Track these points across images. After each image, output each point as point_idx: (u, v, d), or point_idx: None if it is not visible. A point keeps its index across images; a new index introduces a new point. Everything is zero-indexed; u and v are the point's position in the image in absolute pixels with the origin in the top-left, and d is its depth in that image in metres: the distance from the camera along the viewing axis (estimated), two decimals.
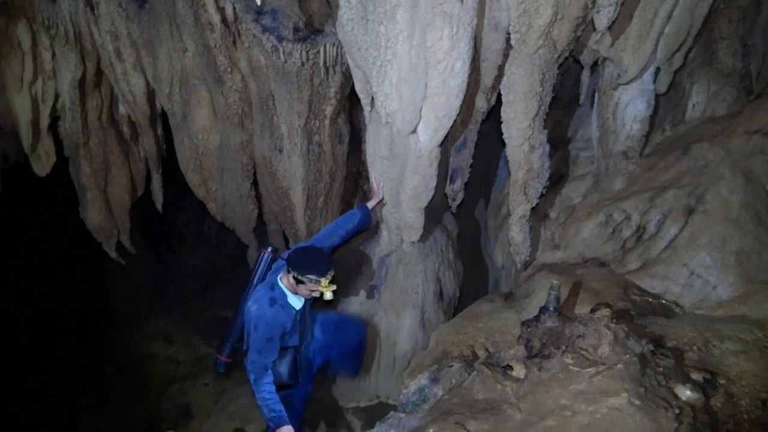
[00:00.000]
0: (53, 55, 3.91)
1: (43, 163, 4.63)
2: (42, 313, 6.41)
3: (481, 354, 3.12)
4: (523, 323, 2.76)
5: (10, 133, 4.42)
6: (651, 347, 2.27)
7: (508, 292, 3.74)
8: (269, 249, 3.21)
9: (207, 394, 5.29)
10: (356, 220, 3.32)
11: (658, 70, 3.13)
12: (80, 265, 6.57)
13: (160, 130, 4.56)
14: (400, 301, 3.85)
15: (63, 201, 5.30)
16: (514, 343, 2.76)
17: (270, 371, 2.85)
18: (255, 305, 2.85)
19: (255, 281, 3.18)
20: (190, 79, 3.82)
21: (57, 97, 4.21)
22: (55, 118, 4.45)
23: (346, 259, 4.00)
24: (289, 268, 2.79)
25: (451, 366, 3.04)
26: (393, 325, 3.90)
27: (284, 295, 2.91)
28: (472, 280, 4.71)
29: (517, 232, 3.34)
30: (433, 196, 3.36)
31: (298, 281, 2.77)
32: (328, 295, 2.81)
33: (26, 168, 4.78)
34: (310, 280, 2.74)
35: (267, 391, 2.81)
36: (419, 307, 3.87)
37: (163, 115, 4.36)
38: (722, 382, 2.22)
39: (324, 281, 2.74)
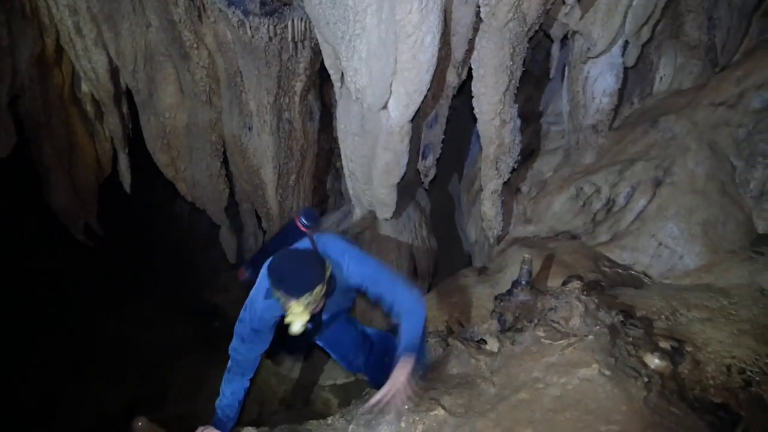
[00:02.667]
0: (9, 30, 3.75)
1: (2, 144, 4.47)
2: (13, 299, 6.28)
3: (456, 329, 3.15)
4: (496, 297, 2.79)
5: None
6: (621, 318, 2.31)
7: (481, 267, 3.77)
8: (301, 218, 2.26)
9: (186, 377, 5.25)
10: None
11: (626, 43, 3.15)
12: (51, 249, 6.43)
13: (125, 109, 4.42)
14: None
15: (26, 183, 5.14)
16: (488, 318, 2.79)
17: (248, 375, 2.32)
18: (255, 286, 2.23)
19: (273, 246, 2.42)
20: (154, 56, 3.71)
21: (15, 74, 4.05)
22: (14, 97, 4.29)
23: None
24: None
25: (427, 341, 3.07)
26: (367, 301, 3.90)
27: None
28: (446, 256, 4.73)
29: (489, 206, 3.35)
30: (405, 173, 3.34)
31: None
32: (295, 327, 1.98)
33: None
34: (278, 298, 1.98)
35: (229, 393, 2.30)
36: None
37: (128, 93, 4.23)
38: (689, 349, 2.27)
39: (295, 306, 1.95)
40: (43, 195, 4.87)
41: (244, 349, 2.26)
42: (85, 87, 4.31)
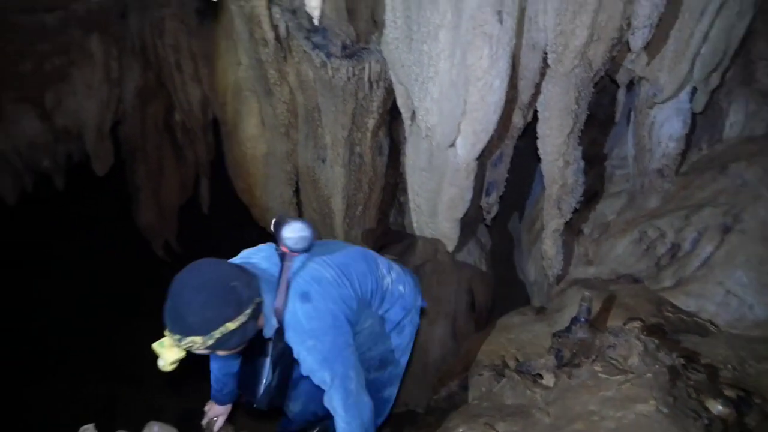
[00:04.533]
0: (120, 65, 4.21)
1: (102, 164, 4.94)
2: (86, 303, 6.72)
3: (512, 364, 3.20)
4: (554, 334, 2.83)
5: (76, 134, 4.75)
6: (682, 361, 2.31)
7: (539, 306, 3.81)
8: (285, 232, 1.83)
9: None
10: None
11: (694, 89, 3.19)
12: (126, 261, 6.89)
13: (210, 138, 4.81)
14: (433, 310, 3.95)
15: (117, 200, 5.61)
16: (544, 354, 2.84)
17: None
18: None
19: None
20: (242, 91, 4.05)
21: (120, 103, 4.51)
22: (116, 122, 4.77)
23: None
24: None
25: (482, 374, 3.13)
26: (425, 333, 3.99)
27: None
28: (504, 294, 4.76)
29: (550, 245, 3.42)
30: (469, 208, 3.46)
31: None
32: (159, 362, 1.57)
33: (87, 167, 5.11)
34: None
35: (216, 368, 2.15)
36: (451, 316, 3.96)
37: (214, 123, 4.61)
38: (758, 401, 2.23)
39: (163, 340, 1.56)
40: (131, 212, 5.31)
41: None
42: (178, 116, 4.74)
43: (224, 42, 3.84)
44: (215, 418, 2.33)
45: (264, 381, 1.92)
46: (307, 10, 2.15)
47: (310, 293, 1.71)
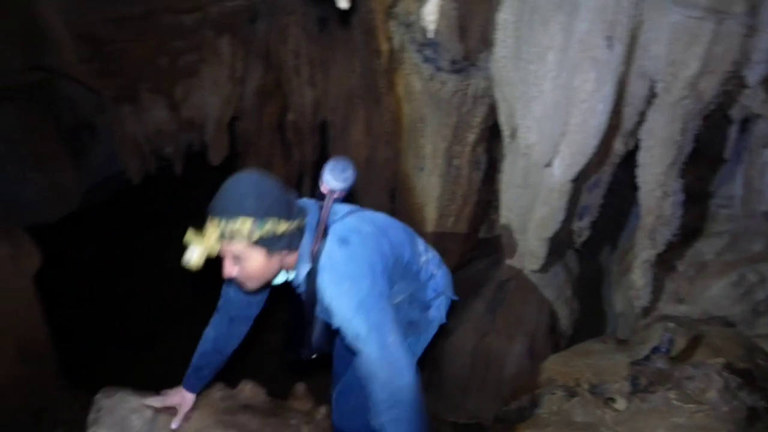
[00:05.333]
0: (244, 65, 4.62)
1: (218, 155, 5.40)
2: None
3: (585, 387, 3.19)
4: (632, 362, 2.82)
5: (198, 125, 5.24)
6: (765, 405, 2.25)
7: (622, 339, 3.74)
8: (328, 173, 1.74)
9: None
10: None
11: None
12: None
13: (317, 139, 5.14)
14: (513, 327, 3.99)
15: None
16: (620, 381, 2.82)
17: (240, 324, 1.96)
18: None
19: None
20: (352, 98, 4.32)
21: (240, 100, 4.93)
22: (234, 118, 5.21)
23: (468, 278, 4.22)
24: None
25: (554, 393, 3.14)
26: (503, 348, 4.04)
27: None
28: (587, 323, 4.69)
29: (639, 276, 3.37)
30: (559, 231, 3.49)
31: None
32: (187, 256, 1.46)
33: (203, 157, 5.59)
34: None
35: (212, 339, 1.96)
36: (530, 335, 3.98)
37: (322, 126, 4.93)
38: None
39: (209, 222, 1.49)
40: None
41: (230, 295, 1.89)
42: (290, 117, 5.09)
43: (341, 50, 4.12)
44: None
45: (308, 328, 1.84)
46: (423, 24, 2.32)
47: (350, 239, 1.60)
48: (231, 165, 5.67)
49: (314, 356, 1.92)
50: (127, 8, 4.33)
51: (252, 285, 1.60)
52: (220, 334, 1.92)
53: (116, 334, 6.68)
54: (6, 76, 5.19)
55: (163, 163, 5.91)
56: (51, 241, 4.70)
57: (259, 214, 1.45)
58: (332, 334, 1.83)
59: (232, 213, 1.44)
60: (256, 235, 1.46)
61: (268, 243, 1.50)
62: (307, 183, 5.45)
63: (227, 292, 1.88)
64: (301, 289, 1.73)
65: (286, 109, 5.06)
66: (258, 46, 4.41)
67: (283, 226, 1.50)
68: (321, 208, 1.66)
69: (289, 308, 1.92)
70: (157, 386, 2.17)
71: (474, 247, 5.10)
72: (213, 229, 1.45)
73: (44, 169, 6.09)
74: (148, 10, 4.29)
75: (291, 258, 1.63)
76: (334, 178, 1.65)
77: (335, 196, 1.66)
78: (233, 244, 1.46)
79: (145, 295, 7.26)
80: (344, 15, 3.81)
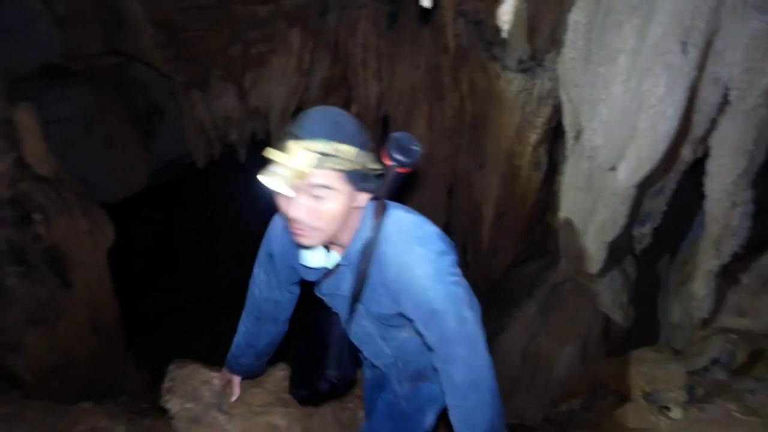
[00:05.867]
0: (312, 57, 4.75)
1: None
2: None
3: (639, 394, 3.17)
4: (689, 372, 2.79)
5: (263, 114, 5.41)
6: None
7: (678, 348, 3.68)
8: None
9: None
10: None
11: None
12: None
13: (378, 132, 5.22)
14: (565, 329, 3.97)
15: None
16: (675, 390, 2.79)
17: (266, 323, 1.80)
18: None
19: None
20: (416, 93, 4.38)
21: (305, 91, 5.08)
22: (298, 107, 5.36)
23: (521, 278, 4.23)
24: None
25: (606, 398, 3.14)
26: (554, 350, 4.03)
27: None
28: (641, 330, 4.62)
29: (700, 286, 3.31)
30: (620, 235, 3.46)
31: None
32: (268, 179, 1.21)
33: (266, 144, 5.75)
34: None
35: (242, 332, 1.85)
36: (583, 338, 3.96)
37: (384, 119, 5.00)
38: None
39: (289, 146, 1.22)
40: None
41: (261, 281, 1.70)
42: (354, 109, 5.18)
43: (408, 46, 4.18)
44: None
45: (334, 349, 1.63)
46: (497, 23, 2.35)
47: (413, 212, 1.44)
48: None
49: (334, 386, 1.65)
50: None
51: (315, 237, 1.31)
52: (249, 330, 1.81)
53: (175, 311, 7.00)
54: (86, 59, 5.51)
55: (227, 149, 6.14)
56: (117, 219, 4.96)
57: (359, 143, 1.24)
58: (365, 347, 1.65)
59: (332, 136, 1.20)
60: (357, 164, 1.23)
61: (360, 179, 1.27)
62: None
63: (252, 290, 1.74)
64: (345, 274, 1.45)
65: (349, 101, 5.16)
66: (327, 38, 4.53)
67: (375, 165, 1.30)
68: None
69: (305, 328, 1.72)
70: (216, 361, 2.27)
71: (528, 247, 5.09)
72: (306, 151, 1.18)
73: (114, 150, 6.42)
74: (224, 0, 4.46)
75: (356, 218, 1.36)
76: (400, 151, 1.33)
77: (399, 170, 1.35)
78: (324, 172, 1.21)
79: (203, 274, 7.57)
80: (414, 11, 3.87)
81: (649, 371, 3.35)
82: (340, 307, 1.58)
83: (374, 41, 4.27)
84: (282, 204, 1.29)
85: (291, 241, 1.43)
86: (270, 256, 1.62)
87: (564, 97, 3.34)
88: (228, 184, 7.15)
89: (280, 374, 2.35)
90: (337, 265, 1.46)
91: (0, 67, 4.45)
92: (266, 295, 1.71)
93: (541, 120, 3.82)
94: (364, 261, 1.37)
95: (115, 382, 4.65)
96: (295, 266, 1.58)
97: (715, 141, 2.96)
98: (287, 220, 1.30)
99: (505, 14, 2.30)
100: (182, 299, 7.27)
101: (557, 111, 3.66)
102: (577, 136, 3.36)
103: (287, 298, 1.75)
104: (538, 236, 5.19)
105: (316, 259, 1.48)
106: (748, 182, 2.97)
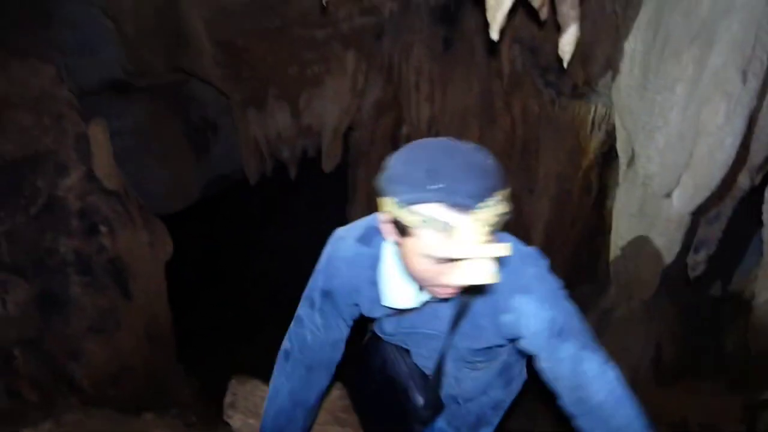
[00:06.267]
0: (366, 78, 4.88)
1: (331, 162, 5.72)
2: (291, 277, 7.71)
3: (695, 426, 3.12)
4: (748, 406, 2.74)
5: (315, 132, 5.58)
6: None
7: (734, 378, 3.60)
8: None
9: None
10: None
11: None
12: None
13: None
14: (615, 356, 3.90)
15: (333, 197, 6.40)
16: (732, 423, 2.75)
17: (319, 372, 1.50)
18: (344, 228, 1.38)
19: None
20: (467, 116, 4.45)
21: (358, 111, 5.22)
22: (349, 128, 5.50)
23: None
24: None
25: (660, 429, 3.10)
26: None
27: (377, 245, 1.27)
28: (694, 360, 4.52)
29: (759, 317, 3.25)
30: (673, 262, 3.43)
31: (397, 225, 1.04)
32: (475, 277, 1.00)
33: (317, 162, 5.92)
34: (421, 217, 0.97)
35: (287, 392, 1.48)
36: (633, 367, 3.90)
37: None
38: None
39: (470, 222, 0.95)
40: (345, 208, 6.02)
41: (316, 324, 1.43)
42: (405, 130, 5.29)
43: (461, 69, 4.27)
44: None
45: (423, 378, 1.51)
46: (559, 52, 2.41)
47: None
48: (342, 173, 5.97)
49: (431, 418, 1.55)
50: (266, 21, 4.73)
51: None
52: (296, 387, 1.48)
53: (221, 324, 7.18)
54: (148, 75, 5.78)
55: (279, 165, 6.31)
56: (170, 231, 5.12)
57: (503, 184, 1.01)
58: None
59: (488, 187, 0.97)
60: (503, 209, 1.00)
61: (500, 222, 1.01)
62: None
63: (301, 338, 1.46)
64: (437, 311, 1.31)
65: (400, 122, 5.27)
66: (381, 61, 4.66)
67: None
68: None
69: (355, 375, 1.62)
70: (262, 375, 2.27)
71: (578, 271, 5.07)
72: (480, 221, 0.95)
73: (168, 163, 6.67)
74: (284, 23, 4.65)
75: None
76: None
77: None
78: (492, 222, 0.97)
79: (250, 288, 7.74)
80: (469, 36, 3.96)
81: (705, 401, 3.31)
82: (419, 344, 1.46)
83: (428, 64, 4.38)
84: (433, 266, 1.04)
85: (362, 278, 1.29)
86: (327, 293, 1.37)
87: (618, 123, 3.37)
88: (278, 200, 7.35)
89: (335, 393, 2.38)
90: (425, 302, 1.27)
91: (73, 82, 4.70)
92: (323, 338, 1.43)
93: (593, 145, 3.84)
94: (467, 294, 1.21)
95: (166, 393, 4.77)
96: (362, 303, 1.37)
97: None
98: (431, 282, 1.08)
99: (568, 44, 2.35)
100: (229, 312, 7.45)
101: (610, 136, 3.68)
102: (630, 162, 3.37)
103: (346, 334, 1.49)
104: (586, 260, 5.16)
105: (404, 299, 1.25)
106: None
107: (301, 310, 1.44)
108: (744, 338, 3.57)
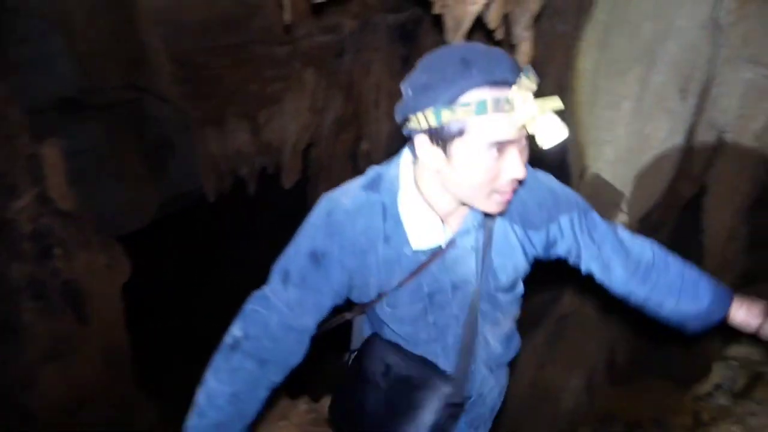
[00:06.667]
0: (326, 96, 4.97)
1: (290, 178, 5.76)
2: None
3: (646, 424, 3.30)
4: (694, 398, 2.93)
5: (275, 149, 5.62)
6: None
7: (680, 375, 3.81)
8: None
9: None
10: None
11: None
12: None
13: None
14: (571, 360, 4.09)
15: (293, 212, 6.42)
16: (682, 416, 2.93)
17: (273, 369, 1.21)
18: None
19: None
20: None
21: (318, 127, 5.29)
22: (309, 144, 5.57)
23: (528, 310, 4.35)
24: (407, 105, 1.05)
25: (613, 428, 3.27)
26: (560, 380, 4.14)
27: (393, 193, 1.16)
28: (645, 361, 4.74)
29: None
30: None
31: (440, 138, 0.99)
32: (547, 137, 0.94)
33: (276, 179, 5.95)
34: (472, 106, 0.93)
35: (229, 394, 1.18)
36: (588, 370, 4.08)
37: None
38: None
39: (518, 88, 0.93)
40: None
41: (288, 301, 1.17)
42: (364, 146, 5.40)
43: None
44: None
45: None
46: None
47: None
48: (302, 189, 6.02)
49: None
50: (226, 38, 4.76)
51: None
52: (242, 388, 1.17)
53: (187, 347, 7.04)
54: (103, 93, 5.69)
55: (238, 182, 6.30)
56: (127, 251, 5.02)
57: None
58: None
59: (519, 70, 0.96)
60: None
61: None
62: None
63: (262, 317, 1.18)
64: (462, 249, 1.17)
65: (360, 138, 5.38)
66: (341, 78, 4.75)
67: None
68: None
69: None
70: None
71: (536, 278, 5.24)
72: (526, 89, 0.93)
73: (125, 182, 6.55)
74: (244, 40, 4.70)
75: None
76: None
77: None
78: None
79: (213, 307, 7.62)
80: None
81: (656, 398, 3.49)
82: (443, 308, 1.24)
83: (387, 82, 4.50)
84: (493, 162, 0.98)
85: (374, 232, 1.12)
86: (318, 258, 1.14)
87: (571, 138, 3.55)
88: (238, 217, 7.31)
89: (302, 407, 2.39)
90: (452, 241, 1.16)
91: (22, 101, 4.55)
92: (292, 321, 1.16)
93: (547, 159, 4.02)
94: (488, 217, 1.16)
95: (130, 420, 4.66)
96: (366, 270, 1.16)
97: (711, 179, 3.17)
98: (491, 185, 1.01)
99: (521, 63, 2.50)
100: (190, 332, 7.31)
101: (563, 150, 3.86)
102: (582, 175, 3.56)
103: (316, 321, 1.21)
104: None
105: (430, 236, 1.13)
106: (743, 218, 3.17)
107: (268, 287, 1.20)
108: (688, 337, 3.79)
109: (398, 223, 1.13)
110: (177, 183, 7.00)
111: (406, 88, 1.05)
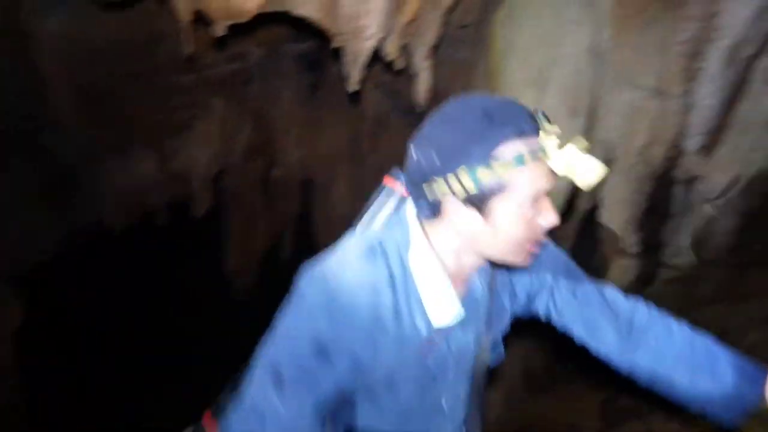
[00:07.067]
0: (235, 123, 4.92)
1: (201, 207, 5.62)
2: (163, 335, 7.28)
3: (563, 429, 3.45)
4: (603, 401, 3.12)
5: (184, 178, 5.47)
6: None
7: (591, 380, 4.02)
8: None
9: None
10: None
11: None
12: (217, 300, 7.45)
13: (300, 195, 5.43)
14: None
15: (208, 241, 6.25)
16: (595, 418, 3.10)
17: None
18: (334, 253, 1.00)
19: None
20: (337, 157, 4.65)
21: (228, 155, 5.21)
22: (219, 171, 5.47)
23: None
24: (425, 172, 0.93)
25: None
26: None
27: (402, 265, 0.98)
28: (560, 368, 4.94)
29: None
30: None
31: (474, 199, 0.90)
32: (587, 177, 0.96)
33: (187, 208, 5.77)
34: (510, 160, 0.88)
35: None
36: (504, 381, 4.20)
37: (309, 182, 5.22)
38: None
39: (546, 135, 0.91)
40: (220, 252, 5.92)
41: (283, 409, 0.92)
42: (276, 173, 5.38)
43: (328, 113, 4.47)
44: None
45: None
46: (415, 97, 2.66)
47: None
48: (213, 217, 5.87)
49: None
50: (130, 65, 4.61)
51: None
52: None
53: (88, 387, 6.61)
54: None
55: (146, 213, 6.06)
56: (28, 289, 4.69)
57: None
58: None
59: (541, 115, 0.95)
60: None
61: None
62: (288, 237, 5.70)
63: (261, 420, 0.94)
64: (472, 312, 1.08)
65: (272, 165, 5.35)
66: (250, 106, 4.72)
67: None
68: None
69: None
70: None
71: None
72: (555, 134, 0.93)
73: (21, 218, 6.13)
74: (149, 68, 4.57)
75: None
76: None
77: None
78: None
79: (120, 348, 7.23)
80: (333, 82, 4.16)
81: (569, 405, 3.66)
82: (445, 375, 1.10)
83: (296, 109, 4.53)
84: (532, 214, 0.94)
85: (384, 309, 0.95)
86: (322, 351, 0.93)
87: None
88: (147, 249, 6.98)
89: None
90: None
91: None
92: (302, 407, 0.93)
93: None
94: (490, 269, 1.11)
95: None
96: (377, 352, 0.97)
97: (603, 193, 3.42)
98: (530, 237, 0.95)
99: (422, 91, 2.62)
100: (93, 374, 6.89)
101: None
102: None
103: (327, 390, 0.97)
104: None
105: (450, 308, 1.01)
106: (634, 227, 3.44)
107: (256, 396, 0.95)
108: None
109: (410, 295, 0.98)
110: (79, 216, 6.62)
111: (424, 150, 0.94)
